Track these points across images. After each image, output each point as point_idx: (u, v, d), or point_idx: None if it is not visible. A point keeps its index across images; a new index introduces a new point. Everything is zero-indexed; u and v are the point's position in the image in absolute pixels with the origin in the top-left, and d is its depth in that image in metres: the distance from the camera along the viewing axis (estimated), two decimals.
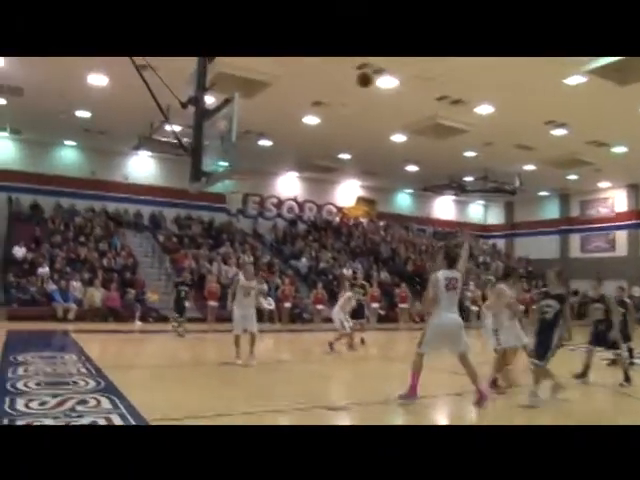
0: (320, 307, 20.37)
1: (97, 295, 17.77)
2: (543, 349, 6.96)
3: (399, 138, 20.68)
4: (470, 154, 22.56)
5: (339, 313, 12.51)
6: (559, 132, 18.96)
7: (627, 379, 8.58)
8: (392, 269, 25.74)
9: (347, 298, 12.87)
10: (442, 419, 6.95)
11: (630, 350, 9.59)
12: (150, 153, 24.50)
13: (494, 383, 7.86)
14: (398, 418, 6.57)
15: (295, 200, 28.72)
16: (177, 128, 8.79)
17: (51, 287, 17.46)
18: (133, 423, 5.39)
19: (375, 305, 20.40)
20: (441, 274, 7.06)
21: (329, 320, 13.51)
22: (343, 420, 6.29)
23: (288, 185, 29.00)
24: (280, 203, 28.32)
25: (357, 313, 13.93)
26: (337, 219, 29.66)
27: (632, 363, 9.60)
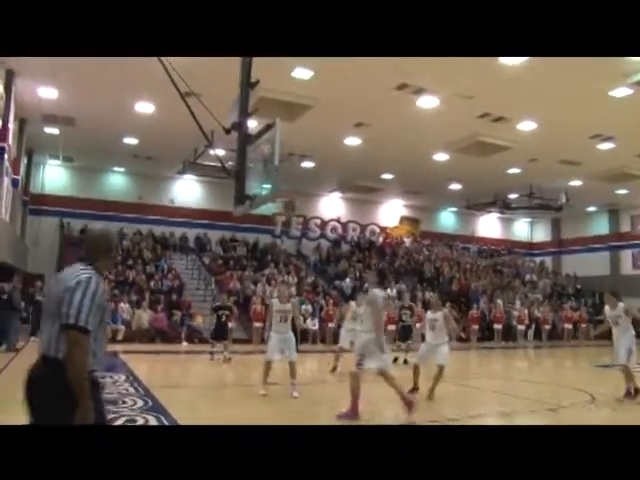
0: None
1: (145, 317, 18.11)
2: None
3: (441, 157, 20.62)
4: (514, 171, 22.28)
5: (344, 332, 11.85)
6: (606, 146, 18.59)
7: None
8: (436, 289, 25.46)
9: (346, 309, 12.64)
10: None
11: None
12: (195, 177, 25.08)
13: (636, 392, 8.05)
14: None
15: (338, 221, 28.80)
16: (221, 152, 9.03)
17: None
18: None
19: (420, 325, 20.16)
20: (378, 292, 6.90)
21: None
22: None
23: (331, 206, 29.21)
24: (324, 224, 28.42)
25: (404, 334, 13.98)
26: (381, 239, 29.61)
27: None
